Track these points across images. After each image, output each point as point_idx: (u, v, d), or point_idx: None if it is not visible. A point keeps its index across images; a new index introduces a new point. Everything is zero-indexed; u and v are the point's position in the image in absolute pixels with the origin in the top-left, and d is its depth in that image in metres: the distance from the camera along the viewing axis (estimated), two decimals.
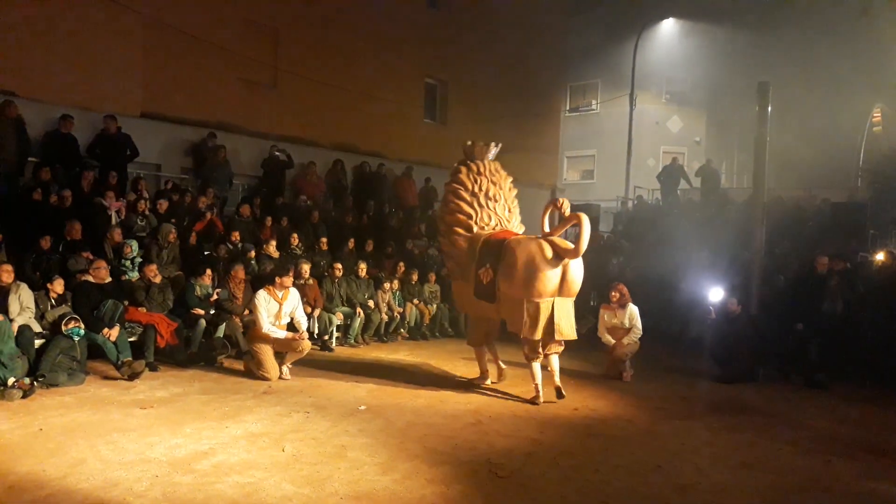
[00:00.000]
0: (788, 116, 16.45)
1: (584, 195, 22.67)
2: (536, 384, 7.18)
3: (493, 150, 8.12)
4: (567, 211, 6.94)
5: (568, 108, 26.59)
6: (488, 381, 7.98)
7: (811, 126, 18.83)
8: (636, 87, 21.76)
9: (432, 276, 11.89)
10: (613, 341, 8.58)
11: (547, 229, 7.25)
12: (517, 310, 7.05)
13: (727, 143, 24.95)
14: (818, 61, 19.31)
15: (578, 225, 6.68)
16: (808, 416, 7.06)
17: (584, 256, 6.91)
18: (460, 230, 7.89)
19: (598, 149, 26.24)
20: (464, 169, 8.00)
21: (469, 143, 8.17)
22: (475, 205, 7.89)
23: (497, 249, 7.33)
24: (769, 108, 10.40)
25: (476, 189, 7.93)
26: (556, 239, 7.07)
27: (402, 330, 11.19)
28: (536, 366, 7.22)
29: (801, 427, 6.59)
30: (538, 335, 6.98)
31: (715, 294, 9.00)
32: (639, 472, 5.05)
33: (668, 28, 23.73)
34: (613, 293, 8.70)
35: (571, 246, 6.91)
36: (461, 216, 7.90)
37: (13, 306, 7.12)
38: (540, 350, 7.17)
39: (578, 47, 23.69)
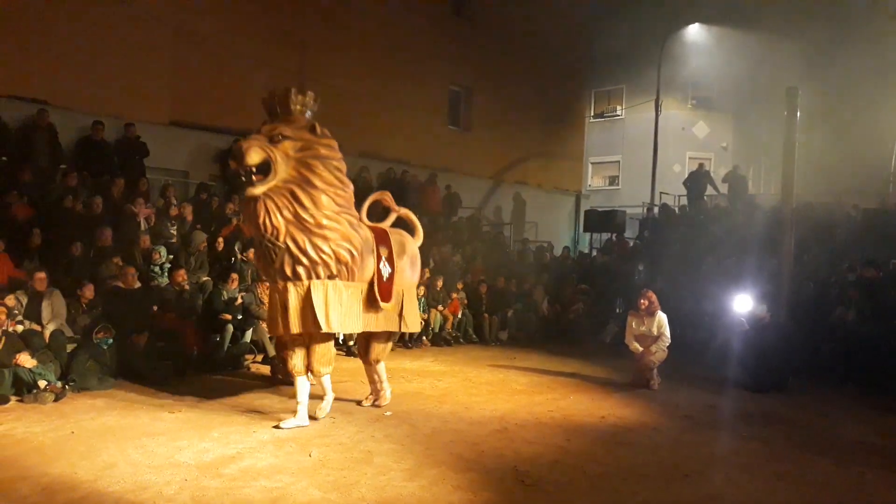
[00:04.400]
0: (817, 121, 16.21)
1: (609, 201, 22.50)
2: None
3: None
4: (394, 205, 7.07)
5: (593, 113, 26.46)
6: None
7: (841, 131, 18.51)
8: (662, 93, 21.56)
9: (459, 284, 12.01)
10: (641, 349, 8.40)
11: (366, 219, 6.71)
12: (411, 302, 7.04)
13: (754, 148, 24.58)
14: (848, 65, 18.98)
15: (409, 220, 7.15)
16: (840, 426, 6.92)
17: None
18: (350, 216, 6.01)
19: (623, 155, 26.04)
20: (327, 132, 6.14)
21: (310, 94, 6.28)
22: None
23: (387, 242, 6.48)
24: (798, 114, 10.26)
25: None
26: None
27: (423, 337, 11.12)
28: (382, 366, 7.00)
29: (833, 438, 6.47)
30: None
31: (741, 303, 8.82)
32: (667, 482, 4.99)
33: (695, 33, 23.46)
34: (642, 300, 8.42)
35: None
36: (348, 195, 6.01)
37: (45, 312, 7.28)
38: None
39: (603, 53, 23.56)
